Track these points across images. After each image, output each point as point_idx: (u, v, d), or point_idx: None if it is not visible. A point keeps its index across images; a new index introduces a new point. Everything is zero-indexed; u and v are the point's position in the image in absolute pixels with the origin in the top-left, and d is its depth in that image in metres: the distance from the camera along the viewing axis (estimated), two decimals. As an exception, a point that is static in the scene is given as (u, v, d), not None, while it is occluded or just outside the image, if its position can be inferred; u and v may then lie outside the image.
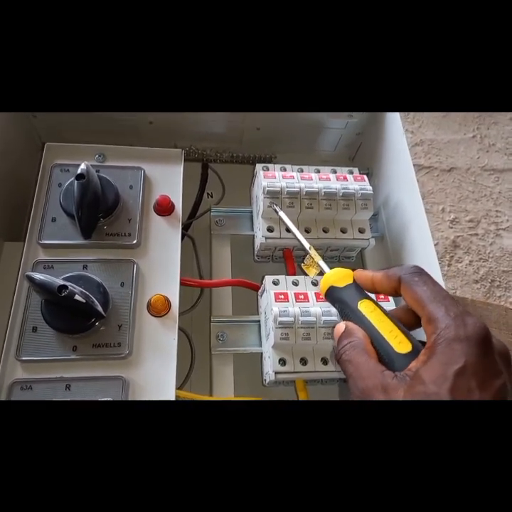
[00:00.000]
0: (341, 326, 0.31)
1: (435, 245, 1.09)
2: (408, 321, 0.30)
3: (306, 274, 0.44)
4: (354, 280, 0.32)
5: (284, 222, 0.43)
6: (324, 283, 0.34)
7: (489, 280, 1.07)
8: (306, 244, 0.39)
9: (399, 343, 0.28)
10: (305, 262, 0.38)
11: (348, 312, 0.31)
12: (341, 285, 0.32)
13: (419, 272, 0.29)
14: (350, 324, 0.31)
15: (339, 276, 0.33)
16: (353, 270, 0.33)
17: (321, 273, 0.35)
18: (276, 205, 0.44)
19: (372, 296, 0.32)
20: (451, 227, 1.13)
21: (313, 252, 0.38)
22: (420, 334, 0.28)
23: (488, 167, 1.23)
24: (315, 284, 0.43)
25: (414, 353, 0.27)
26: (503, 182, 1.21)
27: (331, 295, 0.33)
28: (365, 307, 0.31)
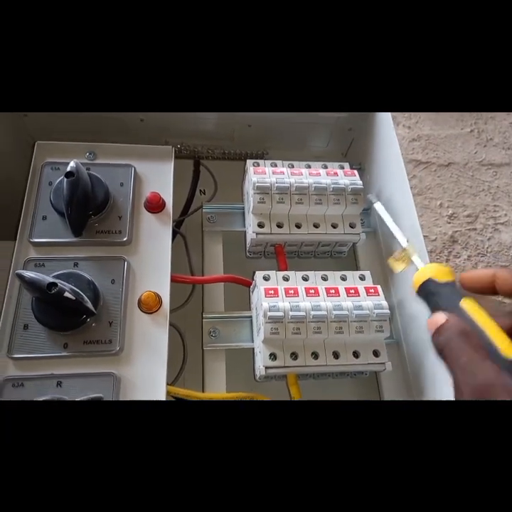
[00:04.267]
0: (442, 316, 0.27)
1: (433, 241, 1.09)
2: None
3: (297, 270, 0.44)
4: (454, 280, 0.30)
5: (379, 214, 0.41)
6: (421, 275, 0.31)
7: (487, 275, 1.07)
8: (403, 239, 0.37)
9: (507, 347, 0.25)
10: (395, 255, 0.36)
11: (447, 308, 0.29)
12: (441, 280, 0.30)
13: None
14: (454, 316, 0.27)
15: (439, 271, 0.31)
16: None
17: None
18: (371, 196, 0.42)
19: None
20: (449, 223, 1.13)
21: (411, 247, 0.36)
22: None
23: (485, 162, 1.22)
24: (306, 279, 0.43)
25: None
26: (500, 176, 1.21)
27: (427, 288, 0.31)
28: (468, 305, 0.28)
